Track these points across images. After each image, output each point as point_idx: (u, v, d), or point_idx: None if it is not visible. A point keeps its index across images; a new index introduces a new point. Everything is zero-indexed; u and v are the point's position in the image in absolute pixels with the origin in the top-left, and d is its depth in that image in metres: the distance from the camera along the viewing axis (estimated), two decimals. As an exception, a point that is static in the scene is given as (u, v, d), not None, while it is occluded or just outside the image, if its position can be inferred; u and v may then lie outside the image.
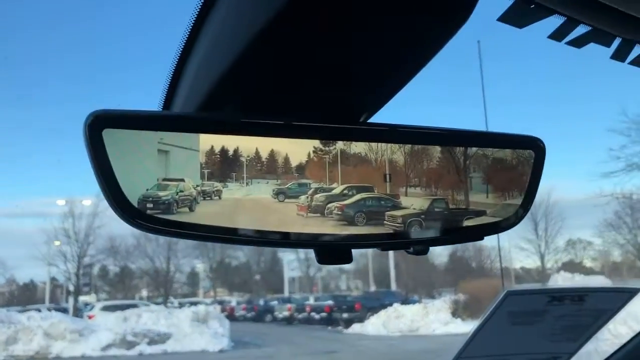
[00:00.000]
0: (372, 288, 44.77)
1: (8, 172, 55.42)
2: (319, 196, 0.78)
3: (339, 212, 0.78)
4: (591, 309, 1.90)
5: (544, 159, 0.90)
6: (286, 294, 48.80)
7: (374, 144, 0.82)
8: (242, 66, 0.73)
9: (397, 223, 0.82)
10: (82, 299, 42.20)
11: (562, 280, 22.08)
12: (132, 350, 18.62)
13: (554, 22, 1.07)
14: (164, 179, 0.71)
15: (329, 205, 0.78)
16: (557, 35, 1.13)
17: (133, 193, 0.69)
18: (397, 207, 0.82)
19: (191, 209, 0.72)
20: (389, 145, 0.82)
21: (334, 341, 21.18)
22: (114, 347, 18.69)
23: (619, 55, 1.22)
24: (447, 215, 0.85)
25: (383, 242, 0.83)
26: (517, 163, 0.90)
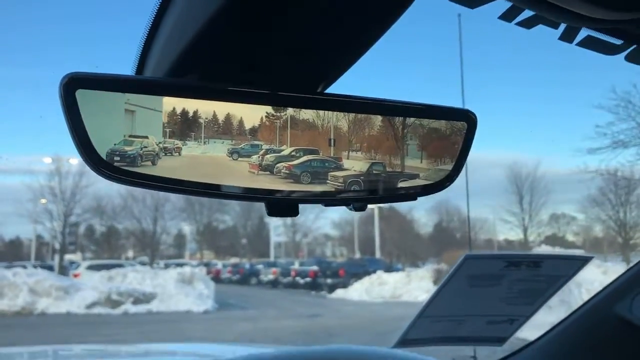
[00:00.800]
0: (357, 255, 45.24)
1: (-6, 128, 54.72)
2: (269, 156, 0.86)
3: (287, 171, 0.87)
4: (546, 274, 1.96)
5: (475, 129, 0.99)
6: (272, 258, 49.03)
7: (321, 112, 0.91)
8: (205, 35, 0.80)
9: (339, 182, 0.90)
10: (68, 257, 42.32)
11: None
12: (116, 309, 18.82)
13: (505, 3, 1.14)
14: (130, 136, 0.80)
15: (277, 165, 0.86)
16: (507, 16, 1.20)
17: (102, 147, 0.78)
18: (340, 168, 0.90)
19: (154, 163, 0.81)
20: (335, 113, 0.91)
21: (317, 306, 21.51)
22: (99, 305, 18.88)
23: (567, 37, 1.30)
24: (384, 177, 0.94)
25: (326, 199, 0.92)
26: (450, 133, 0.98)
